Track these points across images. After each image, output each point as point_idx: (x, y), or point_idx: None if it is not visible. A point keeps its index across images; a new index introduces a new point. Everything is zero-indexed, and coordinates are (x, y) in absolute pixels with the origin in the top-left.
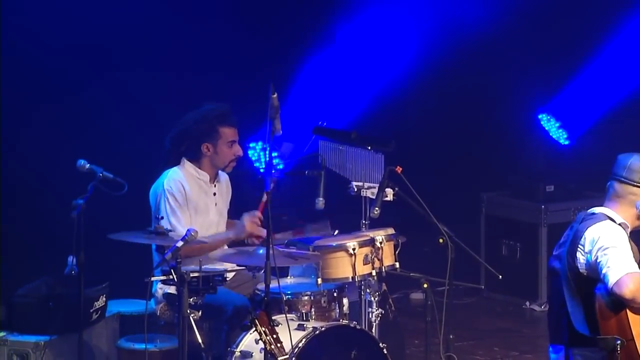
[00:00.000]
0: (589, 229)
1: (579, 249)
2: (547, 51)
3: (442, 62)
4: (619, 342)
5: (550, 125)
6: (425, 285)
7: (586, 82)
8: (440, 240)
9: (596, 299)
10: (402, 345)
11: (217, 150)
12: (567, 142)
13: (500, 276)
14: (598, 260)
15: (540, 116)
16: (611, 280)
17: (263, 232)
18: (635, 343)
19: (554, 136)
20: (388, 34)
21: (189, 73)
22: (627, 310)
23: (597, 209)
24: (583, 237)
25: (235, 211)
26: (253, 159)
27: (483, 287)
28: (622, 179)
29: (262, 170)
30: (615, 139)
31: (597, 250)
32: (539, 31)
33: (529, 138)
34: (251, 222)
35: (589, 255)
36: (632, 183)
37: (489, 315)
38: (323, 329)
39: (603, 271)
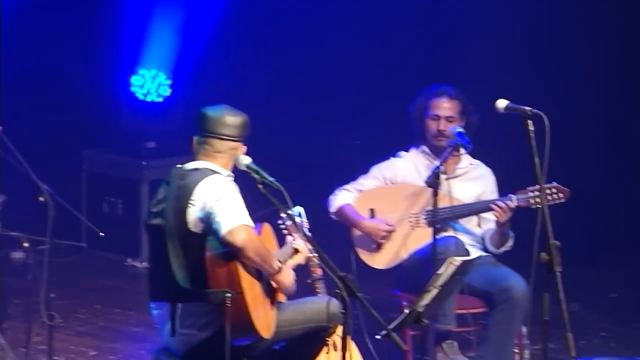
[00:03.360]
0: (199, 183)
1: (189, 204)
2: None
3: None
4: (228, 295)
5: (149, 84)
6: (25, 244)
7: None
8: (41, 199)
9: (206, 252)
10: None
11: None
12: (160, 100)
13: (102, 233)
14: (212, 212)
15: (133, 79)
16: (224, 228)
17: None
18: (244, 296)
19: (144, 98)
20: None
21: None
22: (238, 264)
23: (197, 164)
24: (193, 193)
25: None
26: None
27: (85, 245)
28: (216, 135)
29: None
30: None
31: (212, 202)
32: None
33: (128, 94)
34: None
35: (201, 210)
36: (227, 138)
37: (90, 273)
38: None
39: (217, 219)
